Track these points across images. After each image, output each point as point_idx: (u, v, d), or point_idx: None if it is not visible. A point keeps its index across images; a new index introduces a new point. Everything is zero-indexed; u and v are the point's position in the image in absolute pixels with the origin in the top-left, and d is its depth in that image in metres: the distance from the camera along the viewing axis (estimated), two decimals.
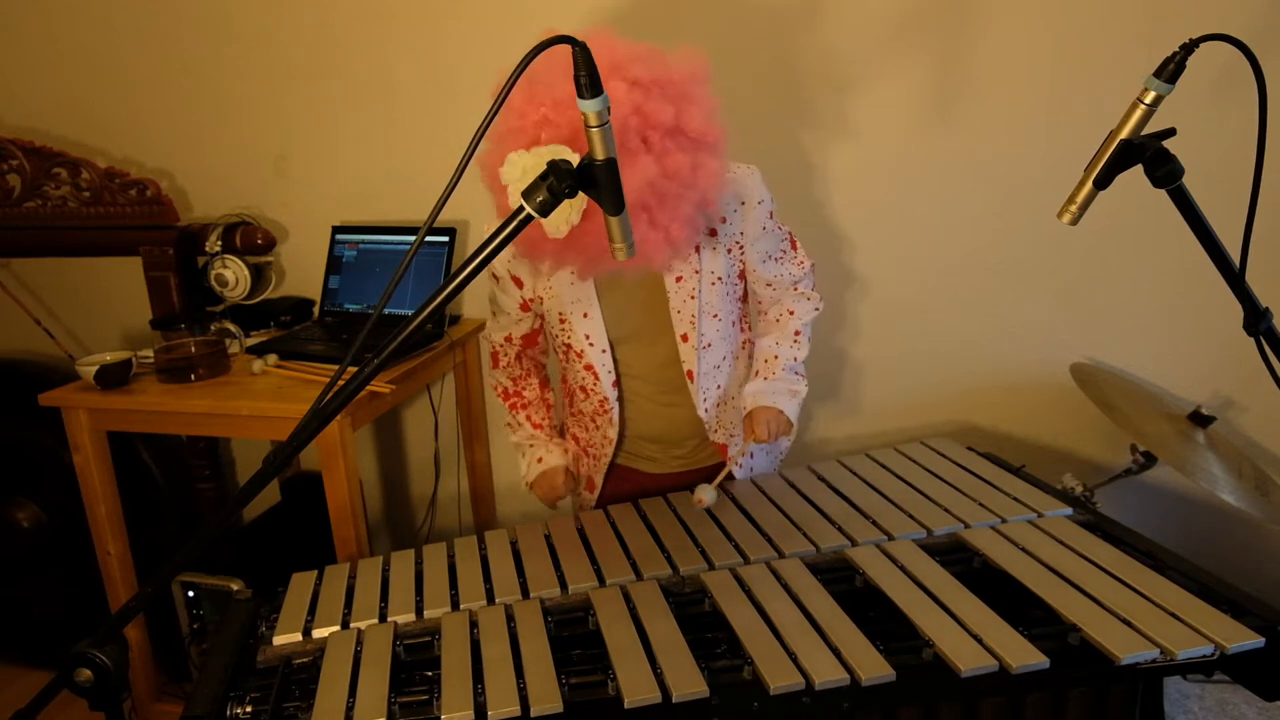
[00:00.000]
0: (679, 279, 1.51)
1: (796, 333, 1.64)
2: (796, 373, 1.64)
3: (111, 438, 1.98)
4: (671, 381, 1.60)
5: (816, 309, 1.66)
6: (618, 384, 1.60)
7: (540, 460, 1.71)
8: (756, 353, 1.66)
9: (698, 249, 1.51)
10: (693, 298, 1.52)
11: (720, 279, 1.53)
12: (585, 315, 1.53)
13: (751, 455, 1.72)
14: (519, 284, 1.57)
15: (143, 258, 2.20)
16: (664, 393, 1.61)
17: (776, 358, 1.63)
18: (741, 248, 1.55)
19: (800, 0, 1.96)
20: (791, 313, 1.65)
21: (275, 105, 2.29)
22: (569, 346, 1.58)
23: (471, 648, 1.24)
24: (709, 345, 1.56)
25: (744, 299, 1.65)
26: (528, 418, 1.74)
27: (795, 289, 1.65)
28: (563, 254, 1.31)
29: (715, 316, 1.55)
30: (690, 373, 1.57)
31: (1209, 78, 1.77)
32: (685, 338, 1.54)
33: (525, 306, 1.61)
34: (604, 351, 1.56)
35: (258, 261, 2.27)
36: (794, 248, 1.63)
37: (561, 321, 1.56)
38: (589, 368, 1.57)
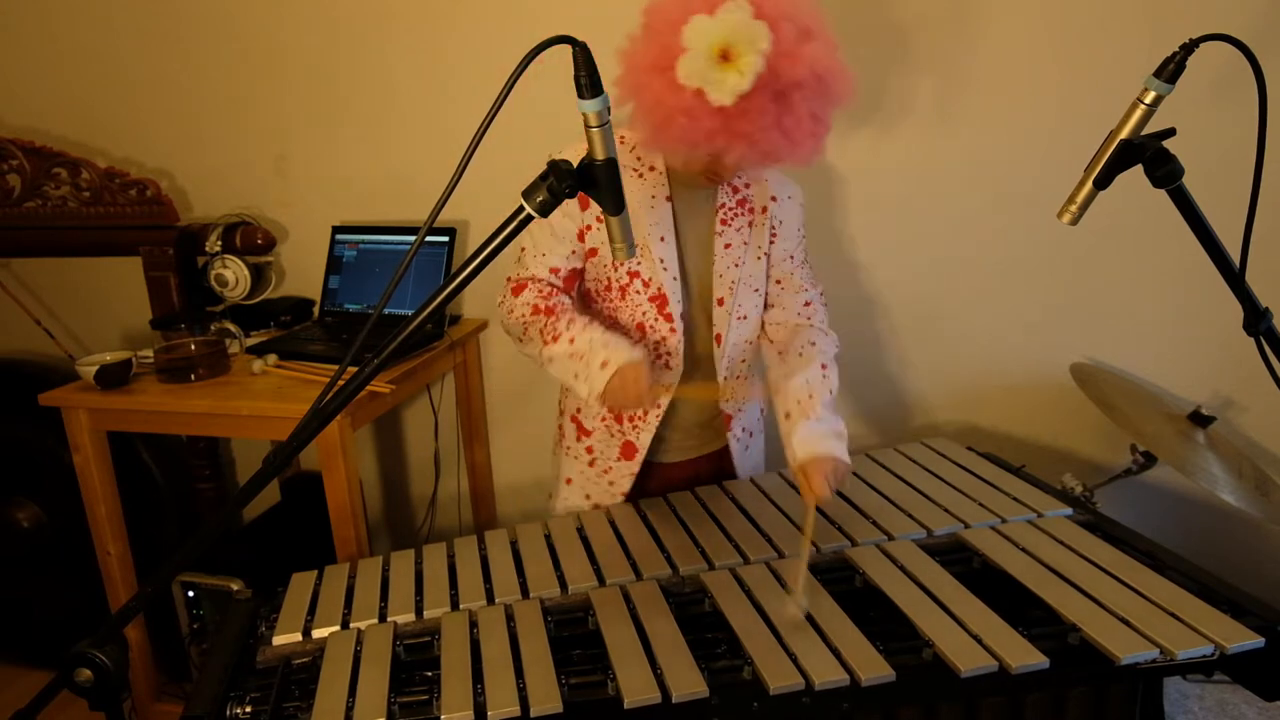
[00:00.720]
0: (728, 245, 1.54)
1: (824, 366, 1.52)
2: (832, 406, 1.48)
3: (111, 438, 1.98)
4: (703, 341, 1.60)
5: (837, 347, 1.59)
6: (685, 315, 1.54)
7: (605, 364, 1.40)
8: (786, 393, 1.48)
9: (750, 224, 1.55)
10: (737, 265, 1.55)
11: (764, 254, 1.58)
12: (662, 239, 1.51)
13: (751, 435, 1.73)
14: (584, 204, 1.48)
15: (143, 258, 2.20)
16: (700, 353, 1.60)
17: (812, 396, 1.46)
18: (775, 235, 1.60)
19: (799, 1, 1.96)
20: (813, 344, 1.55)
21: (275, 105, 2.29)
22: (634, 275, 1.50)
23: (471, 648, 1.24)
24: (744, 317, 1.58)
25: None
26: (572, 321, 1.47)
27: (807, 305, 1.62)
28: (717, 136, 1.27)
29: (756, 290, 1.59)
30: (719, 336, 1.57)
31: (1209, 78, 1.78)
32: (721, 301, 1.56)
33: (582, 235, 1.51)
34: (676, 279, 1.51)
35: (258, 261, 2.27)
36: (808, 265, 1.67)
37: (615, 264, 1.52)
38: (657, 297, 1.51)
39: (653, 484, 1.69)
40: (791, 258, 1.62)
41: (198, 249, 2.24)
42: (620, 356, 1.40)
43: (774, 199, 1.58)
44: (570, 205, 1.49)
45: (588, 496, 1.70)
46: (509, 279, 1.59)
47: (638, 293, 1.52)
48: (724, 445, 1.70)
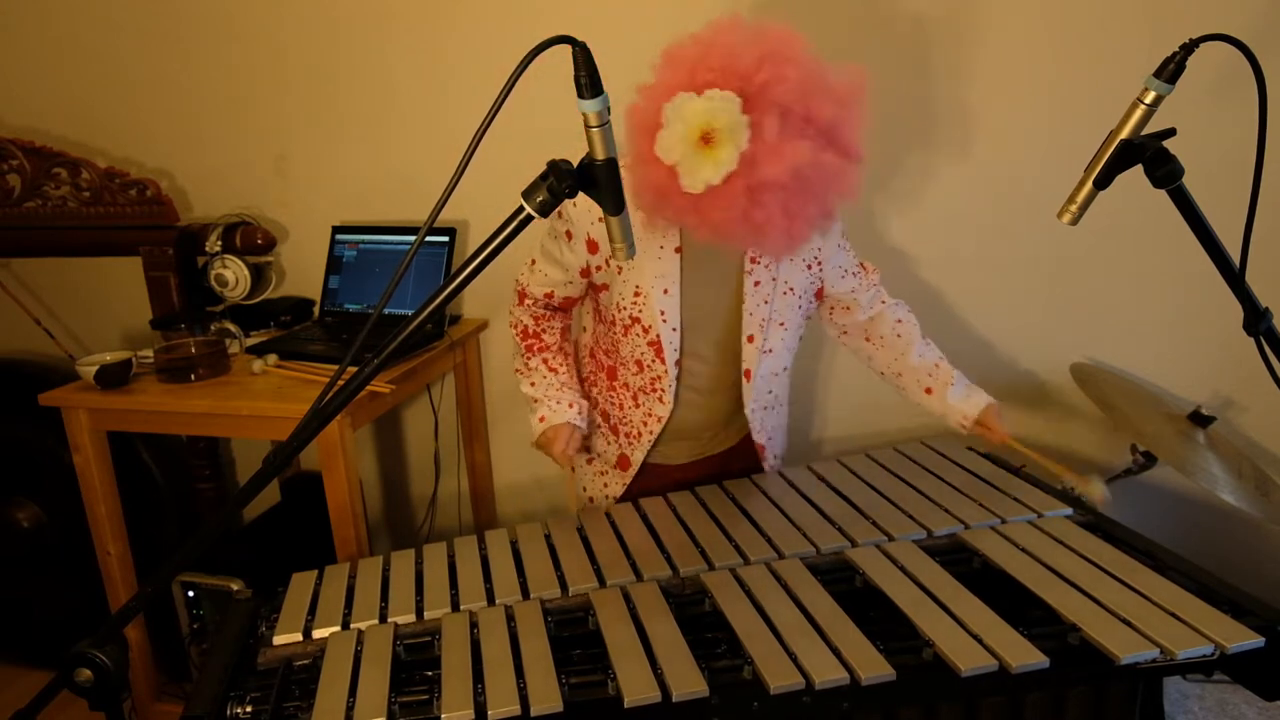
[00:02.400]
0: (757, 283, 1.54)
1: (922, 337, 1.71)
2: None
3: (111, 438, 1.98)
4: (726, 379, 1.62)
5: (910, 311, 1.73)
6: (680, 362, 1.58)
7: (542, 419, 1.60)
8: (912, 371, 1.68)
9: (778, 259, 1.54)
10: (766, 303, 1.55)
11: (792, 290, 1.57)
12: (666, 292, 1.52)
13: (779, 458, 1.77)
14: (593, 249, 1.52)
15: (143, 258, 2.20)
16: (715, 386, 1.62)
17: (938, 365, 1.68)
18: (820, 264, 1.60)
19: (801, 1, 1.96)
20: (900, 320, 1.71)
21: (275, 105, 2.29)
22: (635, 320, 1.55)
23: (471, 648, 1.24)
24: (770, 351, 1.59)
25: (805, 320, 1.66)
26: (544, 361, 1.65)
27: (882, 301, 1.72)
28: (685, 214, 1.29)
29: (782, 325, 1.59)
30: (748, 372, 1.59)
31: (1209, 78, 1.77)
32: (751, 339, 1.57)
33: (586, 272, 1.56)
34: (675, 330, 1.54)
35: (258, 261, 2.27)
36: (863, 267, 1.70)
37: (636, 294, 1.53)
38: (654, 344, 1.55)
39: (655, 485, 1.70)
40: (847, 271, 1.66)
41: (198, 249, 2.24)
42: (557, 418, 1.58)
43: None
44: (579, 246, 1.52)
45: (584, 489, 1.75)
46: (518, 279, 1.67)
47: (638, 335, 1.56)
48: (730, 446, 1.73)
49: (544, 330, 1.67)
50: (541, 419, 1.60)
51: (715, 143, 1.20)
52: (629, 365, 1.61)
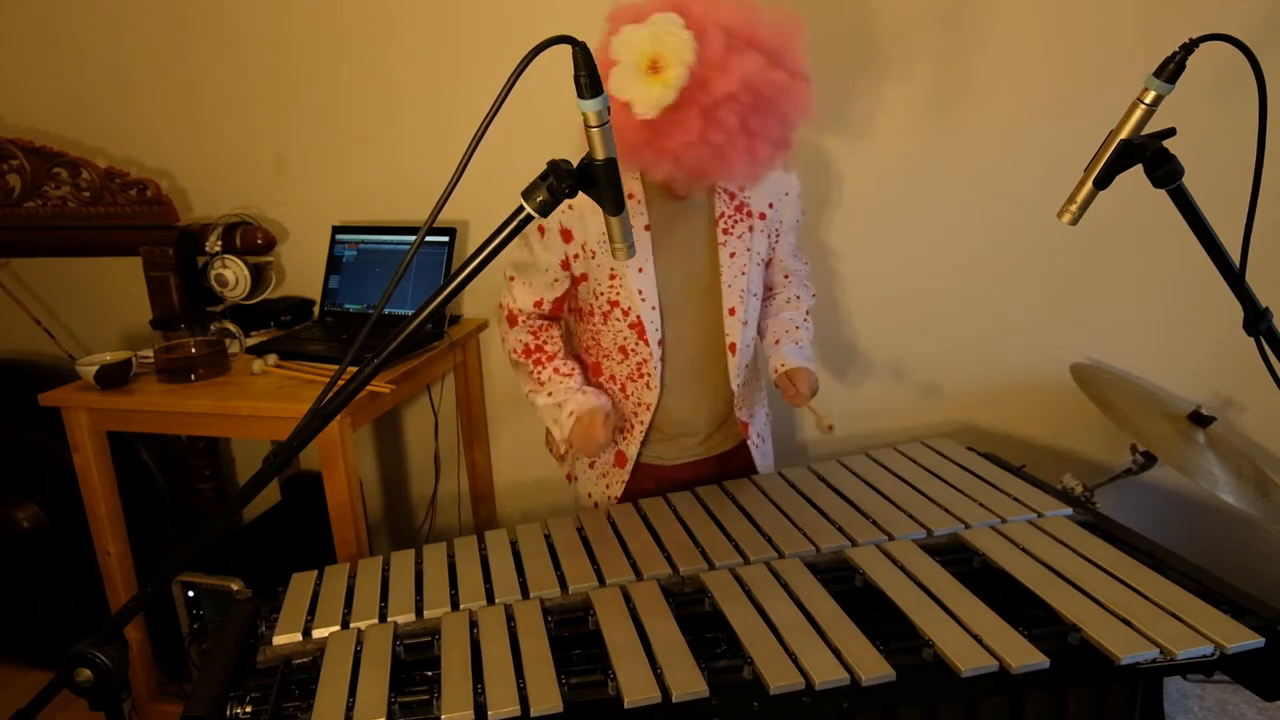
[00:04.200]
0: (733, 254, 1.56)
1: (807, 313, 1.74)
2: (810, 350, 1.71)
3: (111, 438, 1.98)
4: (708, 354, 1.62)
5: (813, 294, 1.78)
6: (663, 343, 1.58)
7: (571, 414, 1.57)
8: (774, 324, 1.71)
9: (750, 229, 1.56)
10: (743, 273, 1.57)
11: (763, 261, 1.61)
12: (640, 270, 1.53)
13: (763, 440, 1.78)
14: (567, 237, 1.53)
15: (143, 258, 2.20)
16: (698, 364, 1.62)
17: (799, 328, 1.70)
18: (778, 235, 1.64)
19: (800, 1, 1.96)
20: (799, 297, 1.74)
21: (275, 105, 2.29)
22: (614, 304, 1.56)
23: (471, 648, 1.24)
24: (746, 322, 1.60)
25: None
26: (555, 370, 1.63)
27: (786, 278, 1.75)
28: (643, 151, 1.28)
29: (755, 295, 1.62)
30: (733, 345, 1.60)
31: (1209, 78, 1.78)
32: (733, 311, 1.57)
33: (566, 264, 1.57)
34: (654, 309, 1.55)
35: (258, 261, 2.27)
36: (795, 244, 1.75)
37: (612, 277, 1.54)
38: (636, 325, 1.55)
39: (653, 485, 1.70)
40: (794, 251, 1.73)
41: (198, 249, 2.24)
42: (585, 405, 1.57)
43: (771, 205, 1.60)
44: (552, 238, 1.54)
45: (589, 495, 1.75)
46: (501, 304, 1.68)
47: (618, 319, 1.57)
48: (726, 449, 1.73)
49: (545, 342, 1.66)
50: (571, 414, 1.57)
51: (663, 66, 1.20)
52: (613, 355, 1.61)
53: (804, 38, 1.33)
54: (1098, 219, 1.40)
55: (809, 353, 1.67)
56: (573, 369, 1.64)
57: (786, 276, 1.74)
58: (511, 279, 1.65)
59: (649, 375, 1.60)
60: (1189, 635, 1.17)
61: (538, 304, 1.64)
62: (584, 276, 1.58)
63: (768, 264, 1.67)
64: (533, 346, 1.65)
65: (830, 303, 2.15)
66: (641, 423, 1.64)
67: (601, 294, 1.57)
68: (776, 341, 1.69)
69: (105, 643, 0.97)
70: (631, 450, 1.67)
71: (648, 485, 1.70)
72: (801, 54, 1.32)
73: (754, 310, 1.63)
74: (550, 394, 1.62)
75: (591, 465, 1.74)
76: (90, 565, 2.06)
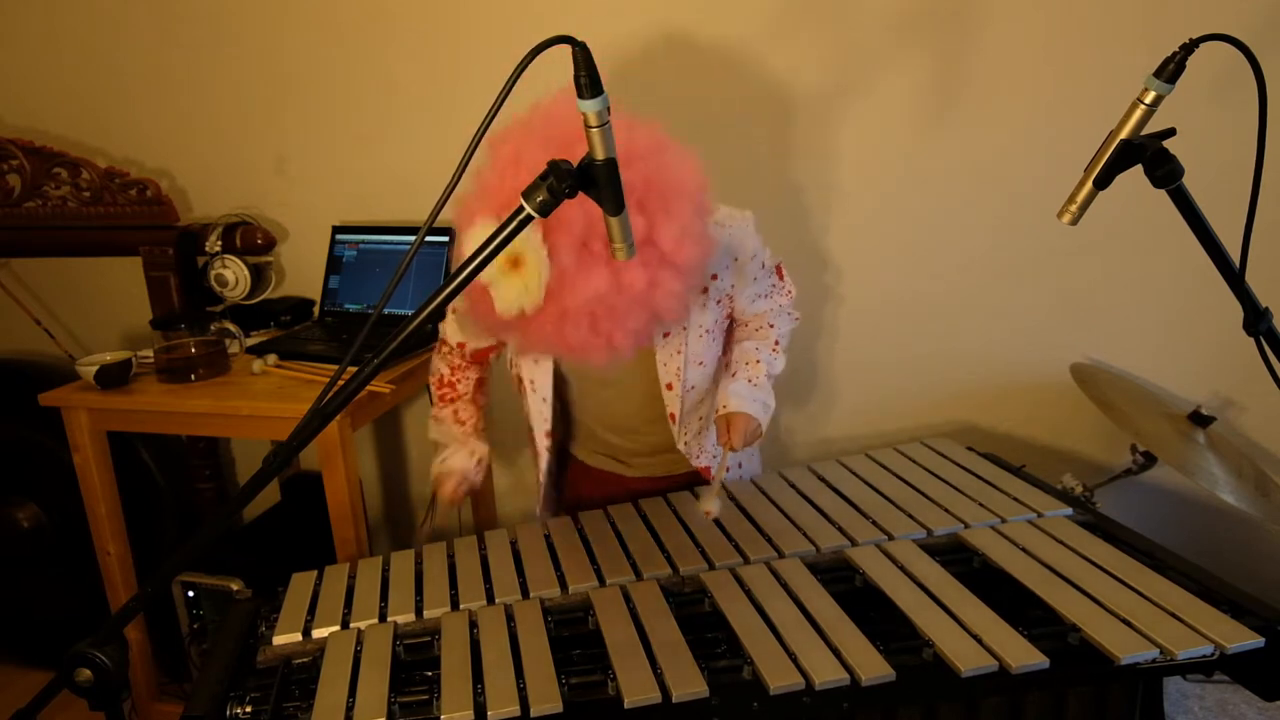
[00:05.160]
0: (666, 335, 1.49)
1: (776, 343, 1.61)
2: (771, 385, 1.58)
3: (111, 438, 1.98)
4: (645, 423, 1.61)
5: (796, 319, 1.66)
6: (550, 435, 1.60)
7: (443, 460, 1.67)
8: (736, 351, 1.59)
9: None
10: (679, 352, 1.50)
11: (707, 331, 1.51)
12: (535, 361, 1.54)
13: (741, 465, 1.72)
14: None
15: (143, 258, 2.20)
16: (631, 430, 1.63)
17: (759, 363, 1.56)
18: (731, 299, 1.53)
19: (800, 1, 1.96)
20: (772, 326, 1.61)
21: (275, 105, 2.29)
22: (521, 380, 1.60)
23: (471, 648, 1.24)
24: (692, 388, 1.54)
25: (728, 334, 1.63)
26: (454, 414, 1.69)
27: (787, 314, 1.65)
28: (508, 330, 1.24)
29: (700, 364, 1.53)
30: (673, 415, 1.55)
31: (1209, 78, 1.77)
32: (670, 386, 1.53)
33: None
34: (545, 400, 1.57)
35: (258, 261, 2.27)
36: (781, 278, 1.61)
37: (511, 361, 1.60)
38: (530, 413, 1.60)
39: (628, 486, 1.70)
40: (759, 295, 1.57)
41: (198, 249, 2.24)
42: (454, 463, 1.64)
43: (715, 276, 1.48)
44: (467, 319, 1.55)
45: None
46: (440, 326, 1.69)
47: (532, 393, 1.59)
48: (692, 470, 1.67)
49: (458, 380, 1.69)
50: (443, 460, 1.66)
51: (523, 264, 1.14)
52: (537, 420, 1.63)
53: (672, 151, 1.23)
54: (1098, 219, 1.39)
55: (761, 394, 1.53)
56: (468, 417, 1.69)
57: (758, 316, 1.61)
58: (453, 310, 1.62)
59: (538, 458, 1.64)
60: (1189, 635, 1.17)
61: (460, 345, 1.66)
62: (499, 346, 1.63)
63: (730, 318, 1.59)
64: (445, 380, 1.70)
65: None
66: (540, 468, 1.67)
67: (515, 364, 1.61)
68: (733, 374, 1.57)
69: (105, 643, 0.97)
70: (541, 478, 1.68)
71: (601, 494, 1.70)
72: (681, 222, 1.19)
73: (702, 376, 1.54)
74: (441, 434, 1.70)
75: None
76: (90, 565, 2.07)
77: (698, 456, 1.63)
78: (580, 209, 1.12)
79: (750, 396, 1.52)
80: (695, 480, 1.68)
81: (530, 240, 1.12)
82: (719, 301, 1.51)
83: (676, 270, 1.21)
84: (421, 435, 2.45)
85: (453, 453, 1.66)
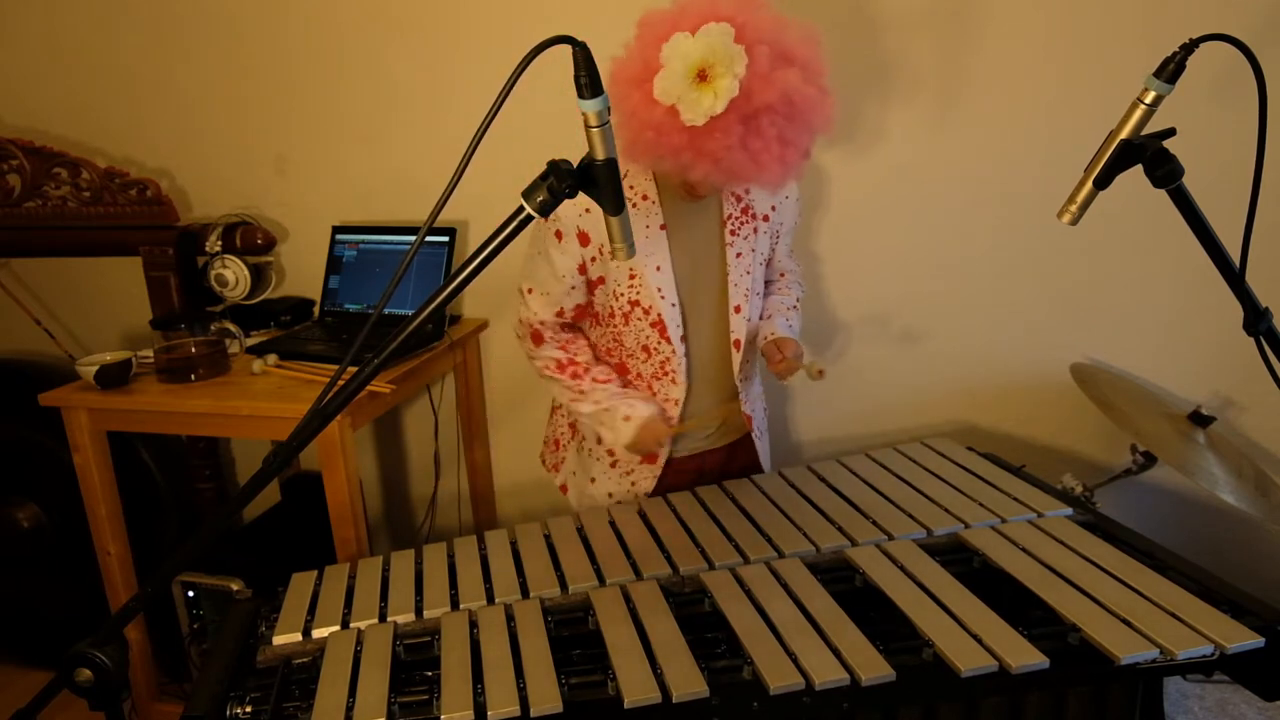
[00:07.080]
0: (739, 254, 1.60)
1: (797, 301, 1.78)
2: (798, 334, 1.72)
3: (111, 438, 1.98)
4: (716, 350, 1.64)
5: (804, 291, 1.84)
6: (685, 338, 1.60)
7: (628, 419, 1.58)
8: (767, 303, 1.73)
9: (755, 230, 1.60)
10: (749, 273, 1.61)
11: (764, 262, 1.66)
12: (658, 268, 1.55)
13: (762, 434, 1.79)
14: (585, 241, 1.52)
15: (143, 258, 2.20)
16: (710, 359, 1.64)
17: (791, 309, 1.74)
18: (778, 237, 1.68)
19: (800, 1, 1.96)
20: (790, 288, 1.79)
21: (275, 105, 2.29)
22: (635, 304, 1.57)
23: (471, 648, 1.24)
24: (750, 319, 1.63)
25: None
26: (594, 379, 1.62)
27: (782, 276, 1.81)
28: (683, 152, 1.31)
29: (758, 294, 1.66)
30: (737, 341, 1.62)
31: (1209, 78, 1.78)
32: (738, 308, 1.61)
33: (583, 268, 1.56)
34: (674, 306, 1.57)
35: (258, 261, 2.27)
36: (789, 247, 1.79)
37: (631, 277, 1.55)
38: (657, 323, 1.57)
39: (667, 478, 1.71)
40: (791, 251, 1.78)
41: (198, 249, 2.24)
42: (641, 413, 1.58)
43: (774, 208, 1.64)
44: (570, 243, 1.53)
45: (610, 495, 1.73)
46: (520, 319, 1.66)
47: (639, 319, 1.58)
48: (731, 441, 1.76)
49: (576, 353, 1.65)
50: (627, 418, 1.58)
51: (713, 76, 1.24)
52: (636, 355, 1.62)
53: (825, 53, 1.39)
54: (1098, 219, 1.40)
55: (797, 331, 1.70)
56: (609, 375, 1.64)
57: (782, 275, 1.79)
58: (529, 291, 1.62)
59: (674, 371, 1.61)
60: (1189, 635, 1.17)
61: (559, 314, 1.62)
62: (601, 280, 1.58)
63: (767, 264, 1.70)
64: (565, 361, 1.64)
65: (831, 303, 2.16)
66: (671, 418, 1.64)
67: (621, 295, 1.57)
68: (769, 316, 1.70)
69: (105, 643, 0.97)
70: (664, 450, 1.68)
71: (672, 479, 1.71)
72: (825, 69, 1.37)
73: (756, 308, 1.66)
74: (596, 401, 1.61)
75: (614, 465, 1.71)
76: (90, 565, 2.06)
77: (745, 401, 1.70)
78: (769, 17, 1.30)
79: (790, 331, 1.66)
80: (733, 457, 1.77)
81: (725, 44, 1.23)
82: (771, 237, 1.66)
83: (830, 97, 1.36)
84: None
85: (630, 408, 1.58)
